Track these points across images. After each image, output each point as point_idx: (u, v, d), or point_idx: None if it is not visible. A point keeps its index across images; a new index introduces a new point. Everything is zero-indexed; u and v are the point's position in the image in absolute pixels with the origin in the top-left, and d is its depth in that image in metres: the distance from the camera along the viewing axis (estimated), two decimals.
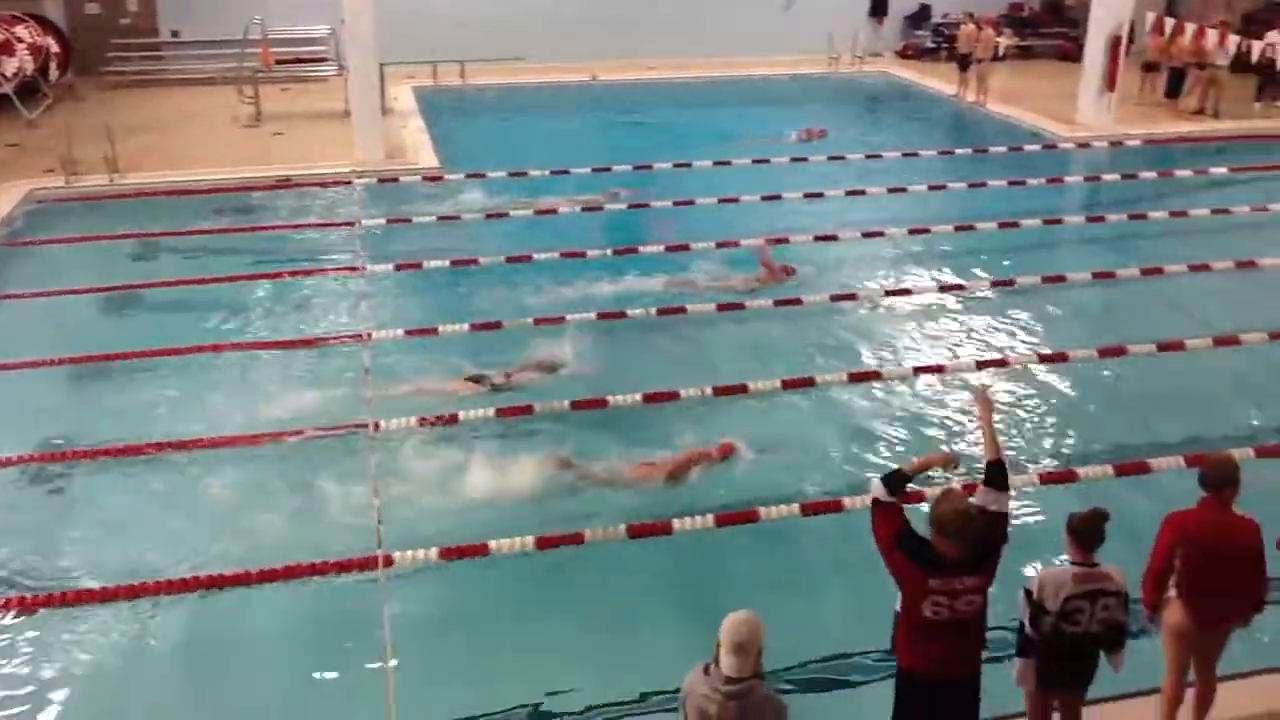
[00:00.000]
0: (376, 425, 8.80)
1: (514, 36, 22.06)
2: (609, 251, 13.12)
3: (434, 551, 7.61)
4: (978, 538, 5.01)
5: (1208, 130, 19.60)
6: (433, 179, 16.27)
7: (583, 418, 9.49)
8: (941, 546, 4.98)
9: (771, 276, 12.08)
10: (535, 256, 12.85)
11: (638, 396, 9.72)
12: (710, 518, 8.00)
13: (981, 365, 10.66)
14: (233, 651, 7.03)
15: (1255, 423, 9.68)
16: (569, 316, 11.21)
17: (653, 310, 11.55)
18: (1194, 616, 5.72)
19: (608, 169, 16.10)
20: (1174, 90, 20.61)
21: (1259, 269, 12.99)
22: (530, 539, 7.77)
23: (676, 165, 16.32)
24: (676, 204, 14.94)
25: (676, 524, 7.93)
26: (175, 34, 22.22)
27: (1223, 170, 17.14)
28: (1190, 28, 20.37)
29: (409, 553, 7.53)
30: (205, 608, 7.29)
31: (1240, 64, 20.37)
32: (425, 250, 13.20)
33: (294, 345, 10.89)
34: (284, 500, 8.40)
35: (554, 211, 14.60)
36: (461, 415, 9.45)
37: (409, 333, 11.04)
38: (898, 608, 5.18)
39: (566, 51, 22.76)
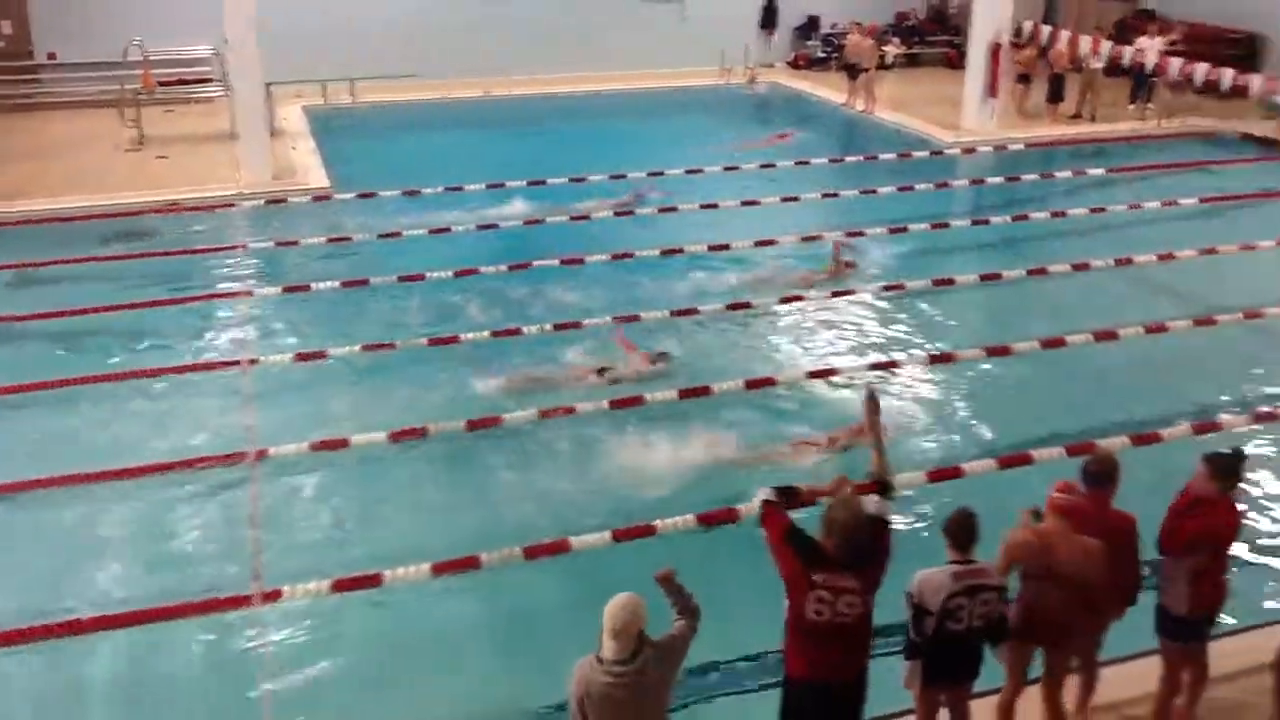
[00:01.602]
0: (261, 453, 8.64)
1: (405, 54, 21.81)
2: (504, 268, 13.05)
3: (325, 584, 7.47)
4: (864, 542, 5.11)
5: (1086, 133, 20.29)
6: (323, 199, 16.03)
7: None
8: (828, 546, 5.08)
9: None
10: (429, 275, 12.74)
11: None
12: (607, 534, 8.01)
13: (874, 367, 10.86)
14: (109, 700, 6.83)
15: (1131, 414, 9.99)
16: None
17: (547, 326, 11.51)
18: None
19: (501, 185, 16.03)
20: (1055, 95, 21.26)
21: (1135, 265, 13.44)
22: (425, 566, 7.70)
23: (573, 179, 16.31)
24: (573, 219, 14.95)
25: (574, 541, 7.93)
26: (52, 56, 21.48)
27: (1100, 171, 17.74)
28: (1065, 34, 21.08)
29: (300, 586, 7.39)
30: (71, 654, 7.06)
31: (1113, 69, 21.17)
32: (316, 272, 13.02)
33: (179, 371, 10.62)
34: (165, 535, 8.21)
35: (448, 230, 14.45)
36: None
37: (299, 356, 10.84)
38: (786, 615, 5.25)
39: (458, 68, 22.62)
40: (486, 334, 11.33)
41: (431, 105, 22.05)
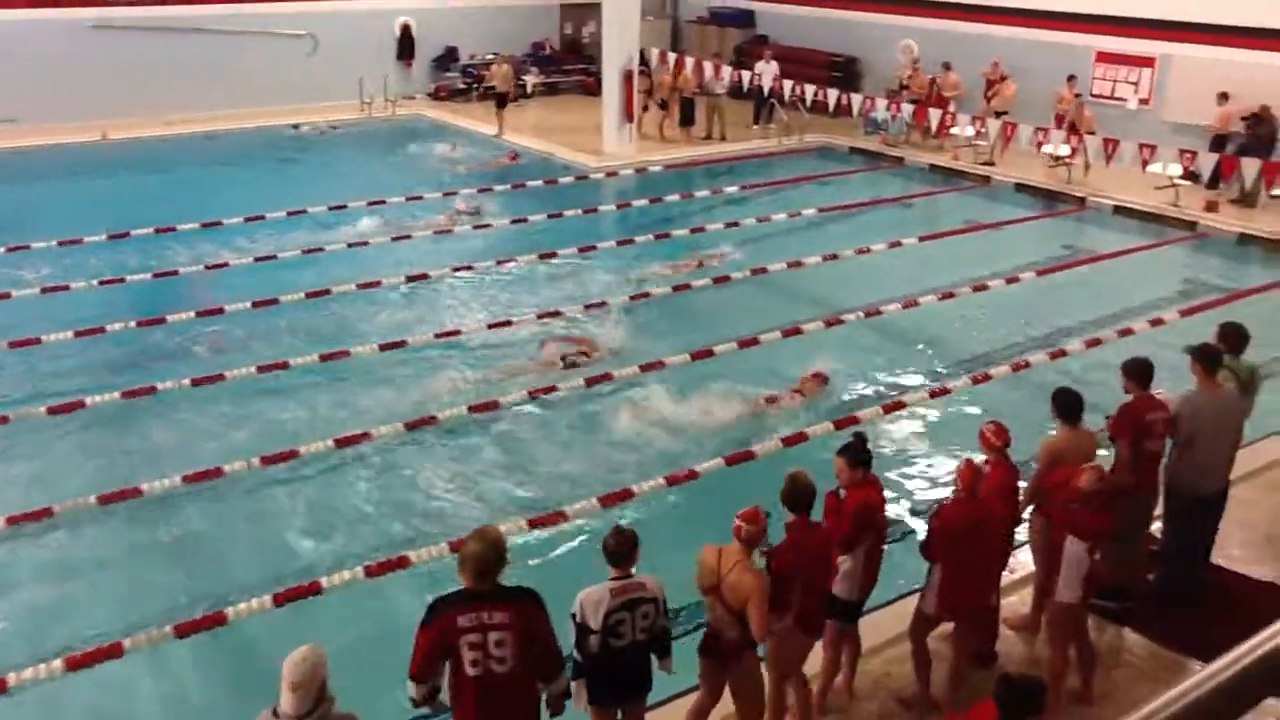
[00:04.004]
0: None
1: (3, 96, 19.90)
2: (133, 324, 12.06)
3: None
4: (499, 572, 5.02)
5: (717, 153, 21.52)
6: None
7: None
8: (465, 580, 4.98)
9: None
10: (46, 339, 11.58)
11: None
12: (267, 599, 7.56)
13: (533, 394, 10.88)
14: None
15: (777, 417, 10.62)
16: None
17: (185, 382, 10.76)
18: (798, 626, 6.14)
19: (126, 235, 14.87)
20: (687, 119, 22.40)
21: (769, 274, 14.34)
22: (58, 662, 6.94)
23: (205, 225, 15.40)
24: (209, 267, 14.06)
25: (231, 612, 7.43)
26: None
27: (734, 188, 18.85)
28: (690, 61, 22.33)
29: None
30: None
31: (736, 91, 22.63)
32: None
33: None
34: None
35: (66, 288, 13.18)
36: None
37: None
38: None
39: (70, 110, 20.85)
40: (117, 395, 10.42)
41: (39, 152, 20.13)
